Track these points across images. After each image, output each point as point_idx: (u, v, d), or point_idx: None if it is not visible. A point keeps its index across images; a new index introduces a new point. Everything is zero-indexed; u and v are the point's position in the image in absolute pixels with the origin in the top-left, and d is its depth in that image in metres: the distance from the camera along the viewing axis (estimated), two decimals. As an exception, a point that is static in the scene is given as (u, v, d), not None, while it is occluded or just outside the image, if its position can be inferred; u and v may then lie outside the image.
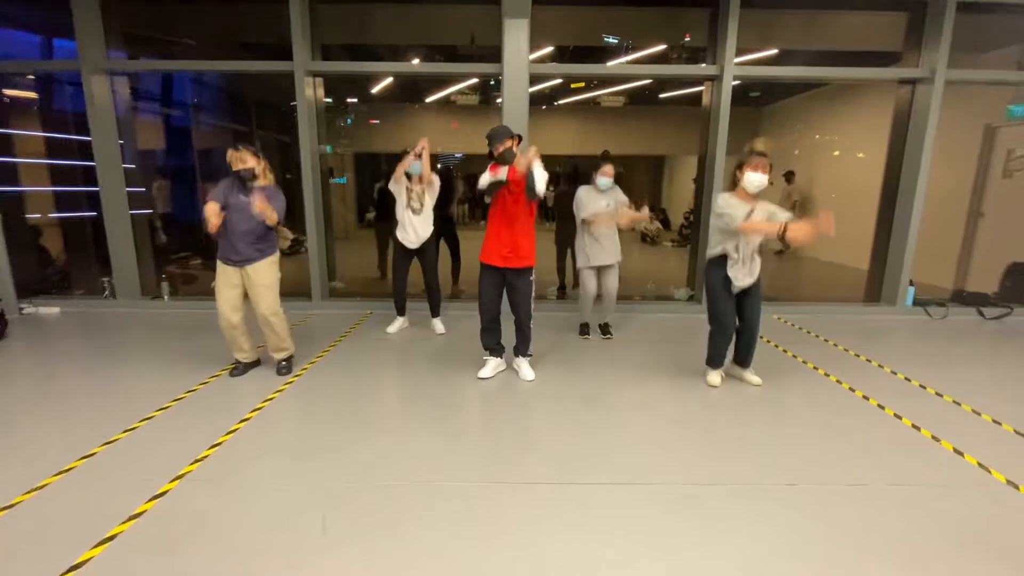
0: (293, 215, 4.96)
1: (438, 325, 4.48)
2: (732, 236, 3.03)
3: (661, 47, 5.66)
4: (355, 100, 9.63)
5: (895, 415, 2.96)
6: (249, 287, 3.27)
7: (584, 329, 4.42)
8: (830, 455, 2.51)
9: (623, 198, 4.08)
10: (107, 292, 5.20)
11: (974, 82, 4.95)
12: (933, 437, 2.71)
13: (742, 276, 3.06)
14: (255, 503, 2.10)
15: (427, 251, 4.24)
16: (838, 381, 3.45)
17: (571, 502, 2.12)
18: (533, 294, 3.34)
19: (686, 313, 5.16)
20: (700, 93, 5.21)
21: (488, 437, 2.68)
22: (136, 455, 2.45)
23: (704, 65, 4.93)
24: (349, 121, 9.82)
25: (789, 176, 8.49)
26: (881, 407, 3.06)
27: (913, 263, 5.07)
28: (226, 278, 3.25)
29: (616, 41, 5.63)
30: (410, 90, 9.25)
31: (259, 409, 2.94)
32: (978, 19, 4.96)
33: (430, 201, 4.14)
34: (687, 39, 5.47)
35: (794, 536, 1.93)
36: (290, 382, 3.34)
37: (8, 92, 5.34)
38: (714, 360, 3.31)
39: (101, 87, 4.79)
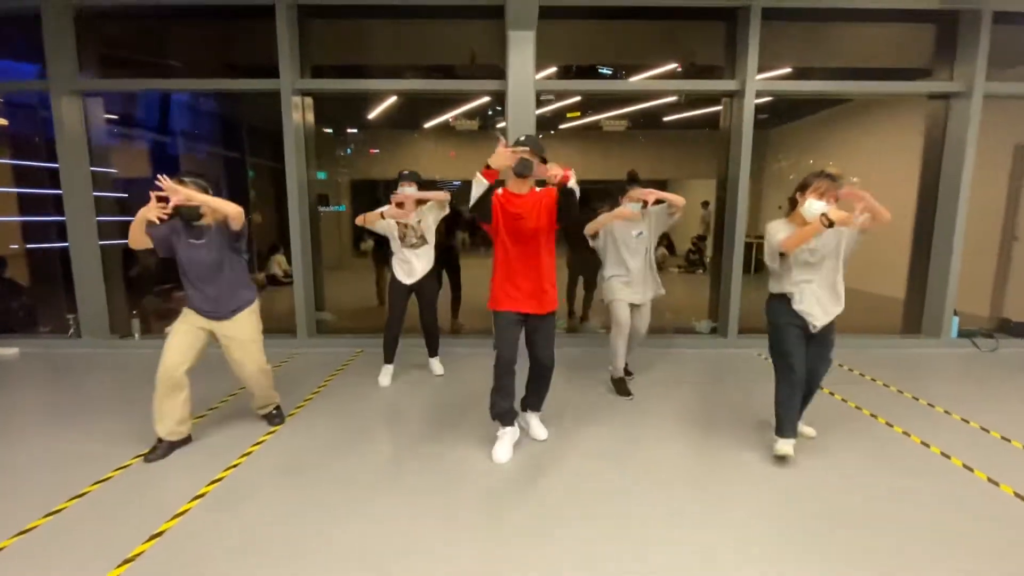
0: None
1: (436, 366, 4.02)
2: (799, 269, 2.47)
3: (672, 66, 5.36)
4: (355, 130, 9.41)
5: (964, 466, 2.47)
6: (229, 345, 2.74)
7: (621, 386, 3.50)
8: (914, 539, 2.00)
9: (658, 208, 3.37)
10: (72, 331, 4.73)
11: (1015, 96, 4.60)
12: (1016, 495, 2.22)
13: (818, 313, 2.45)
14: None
15: (426, 287, 3.74)
16: (888, 424, 2.96)
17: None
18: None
19: (711, 348, 4.68)
20: (707, 114, 4.87)
21: (495, 520, 2.16)
22: (76, 534, 1.95)
23: (723, 80, 4.59)
24: (349, 151, 9.58)
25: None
26: (945, 456, 2.57)
27: (957, 291, 4.63)
28: (191, 322, 2.67)
29: (610, 72, 5.36)
30: (408, 115, 8.99)
31: (232, 469, 2.44)
32: (1011, 30, 4.65)
33: (432, 226, 3.66)
34: (683, 69, 5.14)
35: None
36: (261, 441, 2.83)
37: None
38: (784, 427, 2.55)
39: (71, 109, 4.43)
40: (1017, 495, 2.27)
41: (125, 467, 2.54)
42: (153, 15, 4.64)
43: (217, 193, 2.62)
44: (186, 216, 2.57)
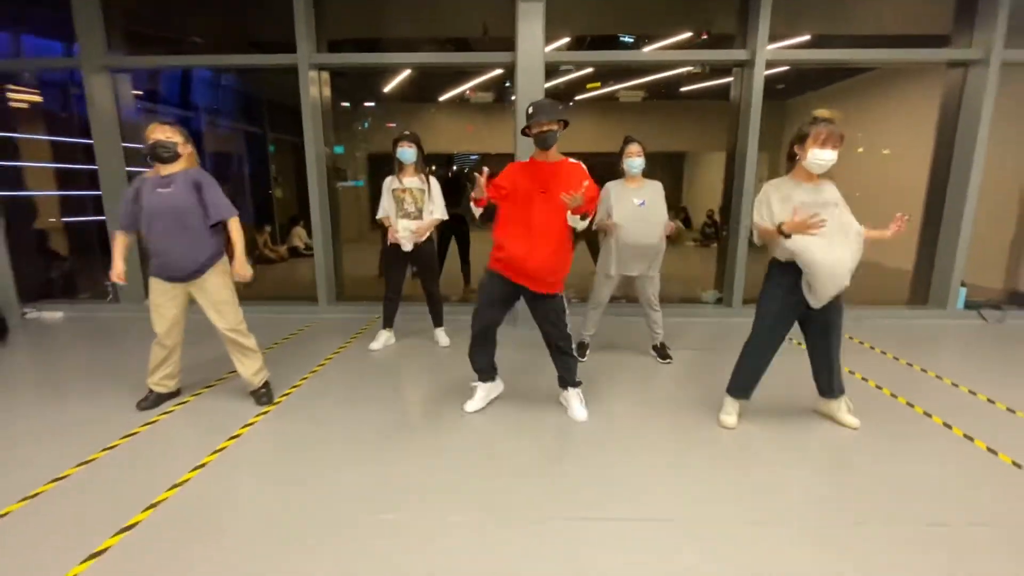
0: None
1: (442, 336, 4.02)
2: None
3: (686, 35, 5.32)
4: (371, 104, 9.49)
5: (965, 436, 2.60)
6: (202, 304, 2.72)
7: (581, 350, 3.58)
8: (899, 490, 2.17)
9: (660, 199, 3.38)
10: (110, 296, 5.06)
11: (1035, 63, 4.50)
12: (1015, 463, 2.35)
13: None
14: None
15: (422, 253, 3.71)
16: (892, 395, 3.08)
17: (593, 536, 1.83)
18: (568, 310, 2.67)
19: (716, 317, 4.81)
20: (724, 86, 4.86)
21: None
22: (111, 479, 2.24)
23: (734, 50, 4.58)
24: (366, 124, 9.69)
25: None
26: (947, 426, 2.70)
27: (965, 263, 4.64)
28: (160, 293, 2.69)
29: (632, 40, 5.33)
30: (424, 88, 9.04)
31: (237, 437, 2.71)
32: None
33: (431, 205, 3.64)
34: (704, 36, 5.10)
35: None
36: (277, 402, 3.02)
37: (13, 95, 5.23)
38: (735, 382, 2.64)
39: (102, 86, 4.64)
40: (1016, 464, 2.40)
41: (153, 422, 2.83)
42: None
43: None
44: (162, 155, 2.54)
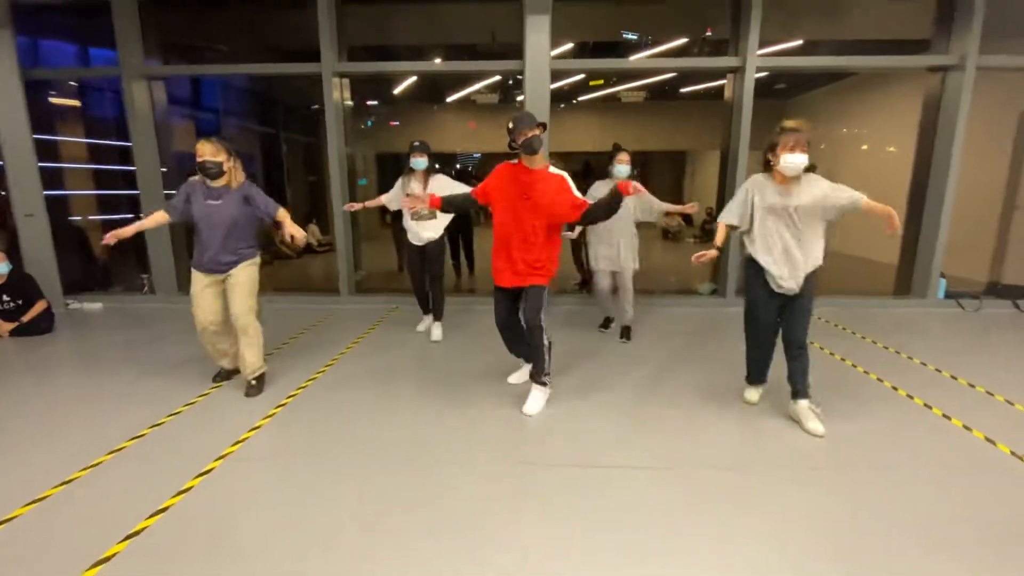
0: (323, 217, 5.11)
1: (436, 331, 4.13)
2: (760, 229, 2.59)
3: (682, 41, 5.65)
4: (376, 102, 9.82)
5: (924, 404, 2.93)
6: (227, 290, 2.99)
7: (605, 323, 4.39)
8: (855, 438, 2.51)
9: (646, 194, 3.70)
10: (146, 288, 5.43)
11: (1008, 68, 4.81)
12: (964, 426, 2.68)
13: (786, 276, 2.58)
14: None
15: (433, 247, 3.98)
16: (865, 372, 3.41)
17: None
18: (546, 302, 2.81)
19: (710, 307, 5.15)
20: (723, 86, 5.18)
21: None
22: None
23: (726, 57, 4.90)
24: (370, 123, 10.01)
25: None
26: (910, 396, 3.03)
27: (944, 255, 4.96)
28: (202, 285, 2.98)
29: (635, 37, 5.63)
30: (430, 90, 9.38)
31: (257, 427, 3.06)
32: (1011, 2, 4.82)
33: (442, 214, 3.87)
34: (708, 34, 5.44)
35: (816, 518, 1.95)
36: (293, 395, 3.10)
37: (54, 100, 5.61)
38: (750, 374, 2.95)
39: (141, 93, 5.01)
40: (966, 427, 2.73)
41: (191, 404, 3.18)
42: (205, 4, 5.14)
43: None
44: (207, 169, 2.82)
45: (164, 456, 2.43)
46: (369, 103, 9.56)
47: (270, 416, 2.81)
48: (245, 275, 2.98)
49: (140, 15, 4.88)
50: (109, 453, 2.43)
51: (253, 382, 3.07)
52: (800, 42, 5.30)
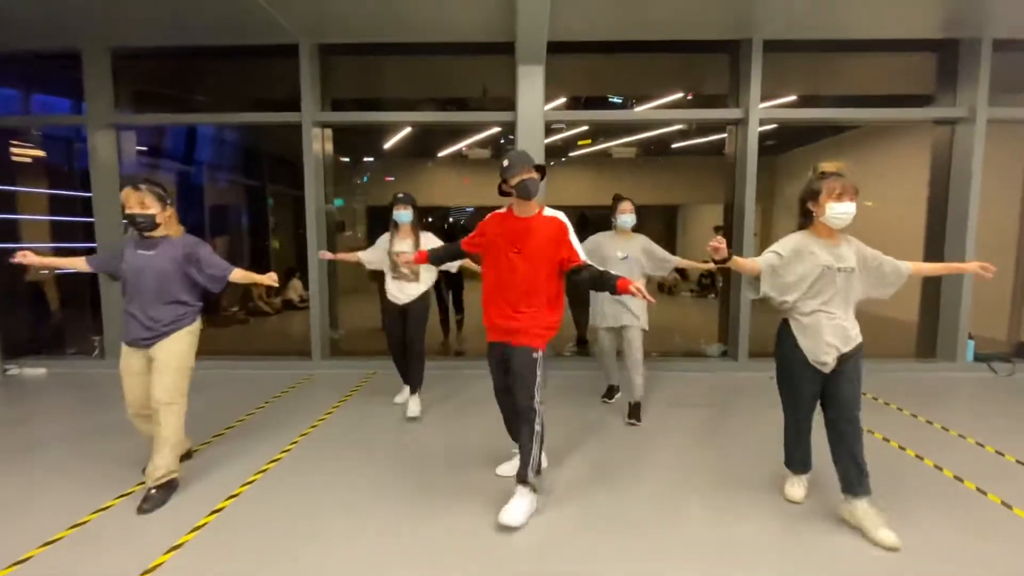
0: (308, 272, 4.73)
1: (412, 405, 3.55)
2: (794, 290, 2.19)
3: (677, 95, 5.50)
4: (370, 159, 9.72)
5: (978, 489, 2.44)
6: (152, 366, 2.46)
7: (609, 392, 3.91)
8: (931, 550, 2.00)
9: (651, 245, 3.49)
10: (96, 351, 4.90)
11: (1017, 121, 4.65)
12: None
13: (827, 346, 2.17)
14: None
15: (415, 307, 3.51)
16: (918, 456, 2.93)
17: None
18: (540, 376, 2.30)
19: (721, 372, 4.69)
20: (714, 142, 4.99)
21: None
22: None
23: (728, 108, 4.71)
24: (366, 179, 9.89)
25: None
26: (982, 492, 2.54)
27: (970, 315, 4.60)
28: (129, 364, 2.49)
29: (620, 100, 5.52)
30: (423, 144, 9.29)
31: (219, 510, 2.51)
32: (1013, 56, 4.73)
33: (426, 273, 3.56)
34: (689, 97, 5.29)
35: None
36: (249, 481, 2.88)
37: (17, 151, 5.27)
38: (790, 458, 2.45)
39: (106, 142, 4.68)
40: None
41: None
42: (183, 54, 4.93)
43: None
44: (141, 227, 2.42)
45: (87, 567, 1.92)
46: (365, 159, 9.46)
47: (196, 529, 2.24)
48: (177, 349, 2.48)
49: (113, 65, 4.64)
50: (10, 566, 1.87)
51: (154, 491, 2.40)
52: (794, 97, 5.18)
